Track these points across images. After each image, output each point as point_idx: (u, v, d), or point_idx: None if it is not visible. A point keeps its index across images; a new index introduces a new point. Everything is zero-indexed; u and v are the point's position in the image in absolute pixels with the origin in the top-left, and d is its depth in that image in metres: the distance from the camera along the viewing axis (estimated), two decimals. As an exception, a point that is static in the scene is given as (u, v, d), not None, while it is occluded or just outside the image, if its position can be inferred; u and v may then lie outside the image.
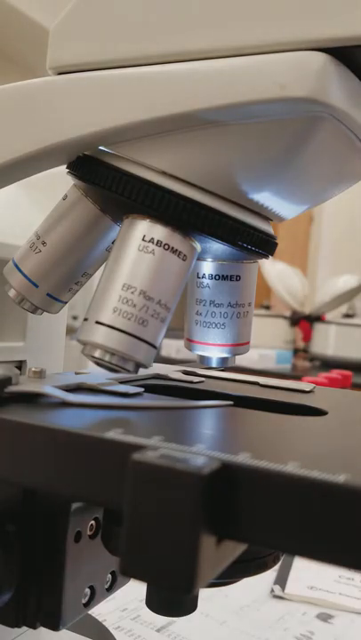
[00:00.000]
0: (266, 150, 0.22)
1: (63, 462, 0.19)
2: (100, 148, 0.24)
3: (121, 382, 0.29)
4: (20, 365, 0.31)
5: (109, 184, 0.23)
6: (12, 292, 0.27)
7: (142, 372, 0.34)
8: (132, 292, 0.23)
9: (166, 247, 0.23)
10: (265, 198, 0.24)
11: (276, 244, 0.26)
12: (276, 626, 0.45)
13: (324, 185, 0.25)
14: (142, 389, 0.27)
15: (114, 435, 0.18)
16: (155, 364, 0.37)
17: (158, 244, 0.23)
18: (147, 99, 0.22)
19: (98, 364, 0.24)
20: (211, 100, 0.21)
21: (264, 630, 0.45)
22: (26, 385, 0.24)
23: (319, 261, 2.46)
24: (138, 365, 0.23)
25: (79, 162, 0.24)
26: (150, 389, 0.28)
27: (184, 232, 0.24)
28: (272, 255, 0.27)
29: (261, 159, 0.22)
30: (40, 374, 0.27)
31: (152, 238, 0.23)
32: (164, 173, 0.23)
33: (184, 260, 0.24)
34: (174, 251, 0.23)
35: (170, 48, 0.22)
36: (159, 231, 0.23)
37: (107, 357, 0.23)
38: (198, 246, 0.25)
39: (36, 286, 0.26)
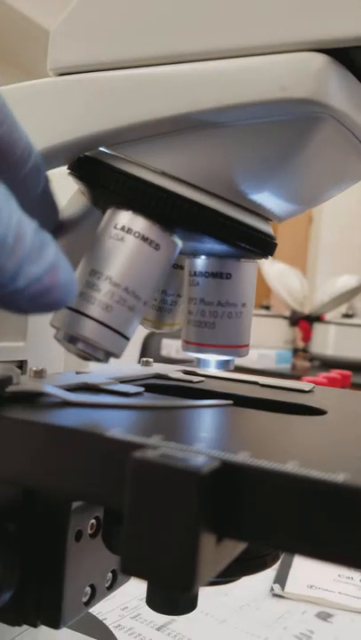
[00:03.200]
0: (266, 151, 0.22)
1: (64, 461, 0.19)
2: (101, 149, 0.24)
3: (121, 382, 0.29)
4: (21, 365, 0.31)
5: (118, 189, 0.23)
6: None
7: (142, 372, 0.34)
8: (98, 278, 0.23)
9: (137, 235, 0.23)
10: (264, 198, 0.24)
11: (276, 245, 0.26)
12: (276, 625, 0.46)
13: (323, 185, 0.25)
14: (143, 389, 0.27)
15: (114, 434, 0.18)
16: (155, 364, 0.37)
17: (129, 231, 0.23)
18: (147, 100, 0.22)
19: (69, 350, 0.23)
20: (211, 102, 0.21)
21: (264, 629, 0.45)
22: (27, 384, 0.24)
23: (319, 261, 2.47)
24: (108, 354, 0.23)
25: (83, 163, 0.24)
26: (150, 389, 0.28)
27: (165, 226, 0.23)
28: (271, 255, 0.27)
29: (261, 160, 0.22)
30: (41, 374, 0.27)
31: (123, 226, 0.23)
32: (164, 174, 0.23)
33: (157, 250, 0.23)
34: (145, 239, 0.23)
35: (170, 49, 0.22)
36: (133, 221, 0.23)
37: (75, 343, 0.23)
38: (179, 241, 0.24)
39: None
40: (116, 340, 0.23)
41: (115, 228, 0.23)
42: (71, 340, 0.23)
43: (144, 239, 0.23)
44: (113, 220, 0.24)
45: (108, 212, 0.24)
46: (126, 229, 0.23)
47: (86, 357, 0.23)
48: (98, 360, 0.23)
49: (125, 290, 0.23)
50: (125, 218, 0.23)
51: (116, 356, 0.24)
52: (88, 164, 0.24)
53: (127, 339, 0.24)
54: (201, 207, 0.23)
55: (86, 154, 0.24)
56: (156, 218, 0.23)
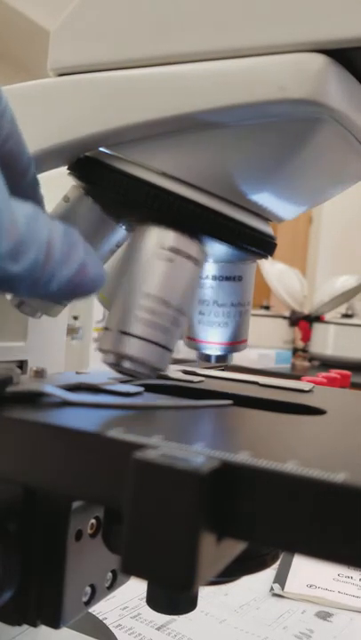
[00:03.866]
0: (265, 151, 0.22)
1: (64, 461, 0.19)
2: (101, 149, 0.24)
3: (121, 382, 0.29)
4: (21, 365, 0.31)
5: (119, 188, 0.23)
6: (9, 295, 0.27)
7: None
8: (154, 301, 0.23)
9: (182, 254, 0.24)
10: (265, 199, 0.24)
11: (276, 245, 0.26)
12: (276, 624, 0.46)
13: (323, 186, 0.25)
14: (142, 389, 0.27)
15: (115, 433, 0.18)
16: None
17: (175, 251, 0.24)
18: (146, 100, 0.22)
19: (119, 371, 0.24)
20: (210, 102, 0.21)
21: (263, 628, 0.45)
22: (27, 384, 0.24)
23: (318, 262, 2.47)
24: (156, 370, 0.24)
25: (84, 163, 0.25)
26: (150, 389, 0.28)
27: (194, 237, 0.24)
28: (271, 255, 0.27)
29: (261, 160, 0.22)
30: (41, 374, 0.27)
31: (172, 247, 0.24)
32: (164, 174, 0.23)
33: (197, 265, 0.25)
34: (190, 257, 0.24)
35: (170, 50, 0.22)
36: (173, 238, 0.24)
37: (129, 365, 0.24)
38: (206, 250, 0.25)
39: None
40: (166, 356, 0.24)
41: (163, 248, 0.24)
42: (128, 364, 0.24)
43: (189, 257, 0.24)
44: (153, 238, 0.24)
45: (140, 228, 0.24)
46: (175, 250, 0.24)
47: (134, 376, 0.24)
48: (147, 377, 0.24)
49: (176, 309, 0.24)
50: (172, 238, 0.24)
51: (163, 371, 0.25)
52: (102, 169, 0.24)
53: (172, 352, 0.25)
54: (229, 219, 0.24)
55: (100, 159, 0.24)
56: (196, 234, 0.24)
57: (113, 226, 0.27)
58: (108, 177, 0.24)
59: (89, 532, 0.26)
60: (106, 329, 0.24)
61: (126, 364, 0.24)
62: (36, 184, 0.24)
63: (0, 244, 0.17)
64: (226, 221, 0.24)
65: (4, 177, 0.18)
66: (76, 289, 0.20)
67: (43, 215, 0.19)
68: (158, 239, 0.24)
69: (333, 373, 0.79)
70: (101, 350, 0.24)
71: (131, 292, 0.24)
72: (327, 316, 1.73)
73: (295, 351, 1.79)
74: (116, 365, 0.24)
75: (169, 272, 0.24)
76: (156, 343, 0.24)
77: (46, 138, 0.23)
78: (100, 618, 0.43)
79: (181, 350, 0.35)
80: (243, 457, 0.17)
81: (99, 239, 0.27)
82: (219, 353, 0.29)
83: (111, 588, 0.28)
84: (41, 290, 0.19)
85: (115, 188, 0.23)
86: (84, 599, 0.27)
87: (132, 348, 0.23)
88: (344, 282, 1.70)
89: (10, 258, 0.18)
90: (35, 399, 0.23)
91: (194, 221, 0.23)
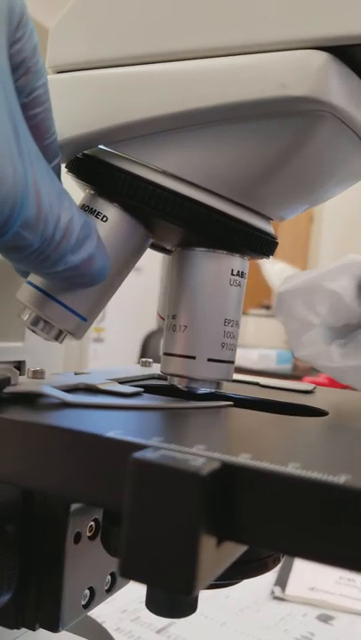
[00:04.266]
0: (266, 149, 0.22)
1: (62, 462, 0.19)
2: (101, 147, 0.24)
3: (120, 382, 0.29)
4: (19, 365, 0.31)
5: (158, 204, 0.23)
6: (30, 316, 0.24)
7: (142, 372, 0.33)
8: (232, 326, 0.26)
9: (244, 276, 0.26)
10: (265, 197, 0.24)
11: (277, 244, 0.26)
12: (277, 627, 0.45)
13: (324, 184, 0.25)
14: (142, 390, 0.27)
15: (114, 435, 0.18)
16: (154, 364, 0.37)
17: (241, 275, 0.26)
18: (146, 98, 0.22)
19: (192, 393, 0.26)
20: (211, 99, 0.21)
21: (264, 632, 0.45)
22: (25, 385, 0.24)
23: (319, 261, 2.46)
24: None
25: (104, 170, 0.23)
26: (150, 390, 0.28)
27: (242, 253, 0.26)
28: (272, 255, 0.26)
29: (262, 157, 0.22)
30: (39, 374, 0.27)
31: (239, 271, 0.26)
32: (164, 173, 0.23)
33: (244, 278, 0.26)
34: (243, 275, 0.26)
35: (170, 47, 0.21)
36: (240, 263, 0.26)
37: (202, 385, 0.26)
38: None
39: (84, 319, 0.24)
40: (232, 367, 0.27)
41: (232, 274, 0.25)
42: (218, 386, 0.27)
43: (243, 275, 0.26)
44: (226, 264, 0.25)
45: (205, 253, 0.25)
46: (240, 273, 0.26)
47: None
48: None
49: (238, 325, 0.26)
50: (239, 264, 0.26)
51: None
52: (137, 182, 0.23)
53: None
54: (232, 219, 0.24)
55: (113, 163, 0.23)
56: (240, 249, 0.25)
57: (146, 235, 0.25)
58: (144, 190, 0.23)
59: (88, 534, 0.26)
60: (189, 357, 0.26)
61: (197, 384, 0.26)
62: (59, 171, 0.24)
63: (22, 210, 0.18)
64: (231, 221, 0.24)
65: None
66: (78, 276, 0.22)
67: (69, 199, 0.20)
68: (227, 265, 0.25)
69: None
70: (187, 378, 0.26)
71: (212, 319, 0.25)
72: (328, 317, 1.72)
73: (296, 352, 1.79)
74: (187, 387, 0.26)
75: (240, 296, 0.26)
76: (231, 362, 0.26)
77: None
78: (99, 621, 0.43)
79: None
80: (243, 459, 0.16)
81: (138, 253, 0.26)
82: None
83: (110, 590, 0.28)
84: (46, 267, 0.20)
85: (145, 198, 0.23)
86: (83, 602, 0.26)
87: (222, 372, 0.26)
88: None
89: (27, 226, 0.19)
90: (33, 400, 0.23)
91: (240, 238, 0.24)
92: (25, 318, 0.24)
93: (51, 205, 0.19)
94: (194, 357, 0.26)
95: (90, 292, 0.24)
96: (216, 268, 0.25)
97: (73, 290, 0.23)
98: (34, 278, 0.24)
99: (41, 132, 0.22)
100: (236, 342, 0.26)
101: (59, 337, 0.25)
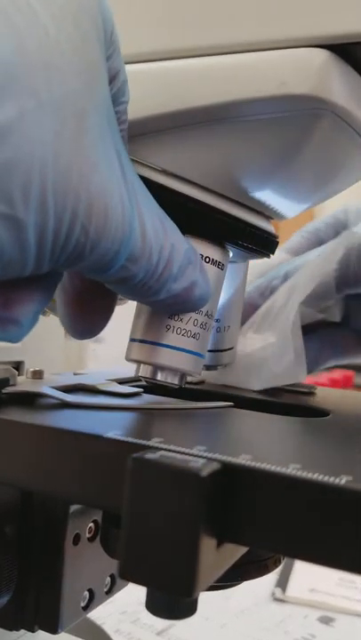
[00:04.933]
0: (267, 147, 0.22)
1: (62, 463, 0.19)
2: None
3: (120, 383, 0.29)
4: (18, 366, 0.30)
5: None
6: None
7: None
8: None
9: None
10: (266, 196, 0.24)
11: (278, 243, 0.26)
12: (277, 629, 0.45)
13: (325, 183, 0.25)
14: (141, 390, 0.27)
15: (113, 435, 0.18)
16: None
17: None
18: (146, 96, 0.21)
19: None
20: (212, 97, 0.21)
21: (265, 633, 0.44)
22: (24, 386, 0.24)
23: (320, 263, 2.46)
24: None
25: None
26: (150, 390, 0.28)
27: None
28: (273, 253, 0.26)
29: (263, 156, 0.22)
30: (38, 375, 0.26)
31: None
32: (164, 172, 0.23)
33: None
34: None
35: (170, 45, 0.21)
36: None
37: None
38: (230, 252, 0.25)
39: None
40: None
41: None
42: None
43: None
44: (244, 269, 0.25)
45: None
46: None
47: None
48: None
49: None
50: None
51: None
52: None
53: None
54: (234, 218, 0.24)
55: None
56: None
57: None
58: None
59: (87, 535, 0.26)
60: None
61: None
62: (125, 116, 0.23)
63: (128, 244, 0.18)
64: (232, 220, 0.23)
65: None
66: (180, 304, 0.22)
67: (171, 225, 0.20)
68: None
69: (336, 374, 0.79)
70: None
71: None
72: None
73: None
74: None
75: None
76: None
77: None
78: (99, 623, 0.43)
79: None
80: (244, 460, 0.16)
81: None
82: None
83: (110, 592, 0.28)
84: (148, 296, 0.21)
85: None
86: (83, 604, 0.26)
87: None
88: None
89: (133, 259, 0.19)
90: (32, 401, 0.23)
91: (212, 224, 0.23)
92: (145, 375, 0.24)
93: (155, 235, 0.19)
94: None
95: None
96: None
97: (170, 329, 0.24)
98: (134, 334, 0.24)
99: None
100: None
101: (182, 379, 0.25)
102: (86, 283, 0.22)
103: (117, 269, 0.19)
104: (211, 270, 0.24)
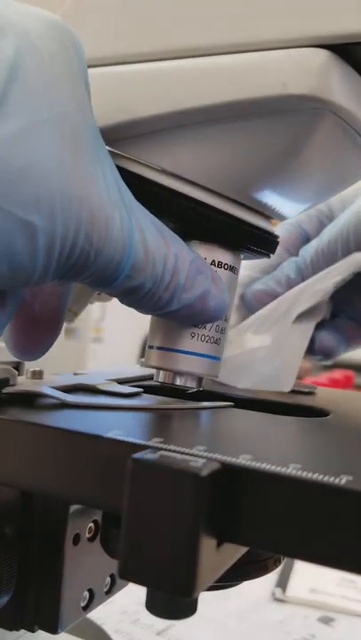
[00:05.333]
0: (267, 147, 0.22)
1: (62, 463, 0.19)
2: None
3: (120, 383, 0.29)
4: (18, 366, 0.30)
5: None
6: None
7: (141, 372, 0.33)
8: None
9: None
10: (267, 196, 0.24)
11: (278, 243, 0.26)
12: (278, 629, 0.45)
13: (325, 183, 0.25)
14: (141, 390, 0.27)
15: (113, 435, 0.18)
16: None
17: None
18: (146, 96, 0.21)
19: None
20: (212, 97, 0.21)
21: (265, 633, 0.44)
22: (24, 386, 0.24)
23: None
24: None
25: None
26: (150, 390, 0.28)
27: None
28: (273, 253, 0.26)
29: (263, 156, 0.22)
30: (38, 375, 0.26)
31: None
32: (164, 172, 0.23)
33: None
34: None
35: (171, 45, 0.21)
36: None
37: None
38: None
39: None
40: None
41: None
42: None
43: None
44: (210, 256, 0.25)
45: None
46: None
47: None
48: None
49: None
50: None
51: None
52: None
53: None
54: (233, 218, 0.24)
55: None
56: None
57: None
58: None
59: (87, 535, 0.26)
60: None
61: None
62: None
63: (130, 252, 0.19)
64: (236, 222, 0.24)
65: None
66: (197, 315, 0.22)
67: (173, 237, 0.21)
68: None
69: (337, 374, 0.79)
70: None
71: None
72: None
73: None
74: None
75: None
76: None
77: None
78: (99, 623, 0.43)
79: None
80: (244, 460, 0.16)
81: None
82: None
83: (110, 592, 0.28)
84: (161, 307, 0.21)
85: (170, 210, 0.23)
86: (82, 604, 0.26)
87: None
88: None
89: (137, 269, 0.19)
90: (32, 401, 0.23)
91: (220, 227, 0.23)
92: (163, 380, 0.25)
93: (157, 245, 0.20)
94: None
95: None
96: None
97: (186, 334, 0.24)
98: (151, 340, 0.25)
99: None
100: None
101: (200, 382, 0.25)
102: (34, 304, 0.23)
103: (123, 279, 0.19)
104: (223, 275, 0.24)
